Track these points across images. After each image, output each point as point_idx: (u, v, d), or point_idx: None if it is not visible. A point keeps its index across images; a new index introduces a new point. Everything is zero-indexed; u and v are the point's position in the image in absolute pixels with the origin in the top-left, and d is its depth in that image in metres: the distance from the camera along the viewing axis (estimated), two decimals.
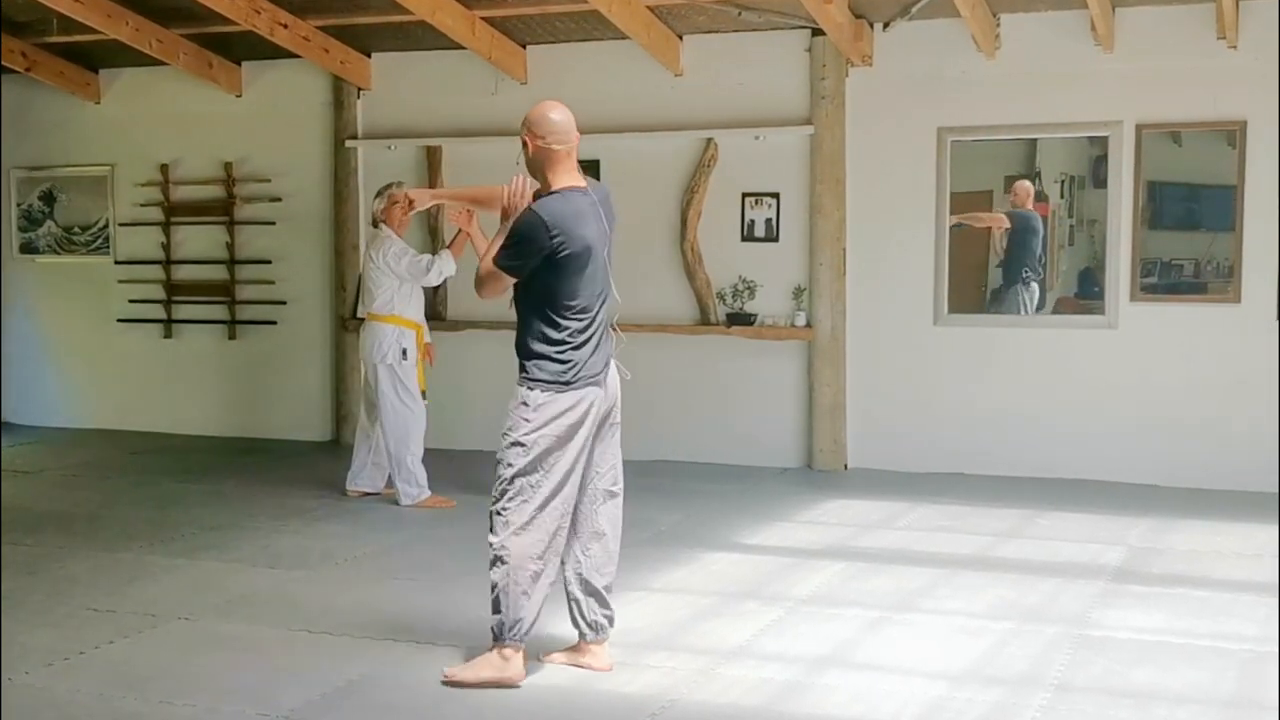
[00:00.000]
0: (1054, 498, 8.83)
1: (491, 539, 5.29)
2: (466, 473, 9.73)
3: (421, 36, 10.30)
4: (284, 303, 11.38)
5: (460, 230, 8.54)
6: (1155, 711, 5.01)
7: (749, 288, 9.91)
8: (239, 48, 11.00)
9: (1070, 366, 9.40)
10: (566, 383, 5.18)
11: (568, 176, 5.26)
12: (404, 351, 8.60)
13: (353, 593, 6.73)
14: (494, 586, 5.30)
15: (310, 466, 10.23)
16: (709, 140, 9.94)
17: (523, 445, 5.17)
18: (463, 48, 10.09)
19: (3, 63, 11.14)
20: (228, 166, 11.49)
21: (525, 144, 5.27)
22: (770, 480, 9.58)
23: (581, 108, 10.08)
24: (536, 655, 5.59)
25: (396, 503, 8.72)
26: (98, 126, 11.96)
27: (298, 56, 10.58)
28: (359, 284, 10.86)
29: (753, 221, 9.96)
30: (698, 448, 10.13)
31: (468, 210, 8.49)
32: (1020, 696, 5.17)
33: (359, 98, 11.01)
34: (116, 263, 12.00)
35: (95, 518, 8.55)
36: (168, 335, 11.89)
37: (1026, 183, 9.57)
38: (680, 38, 9.96)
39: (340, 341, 11.14)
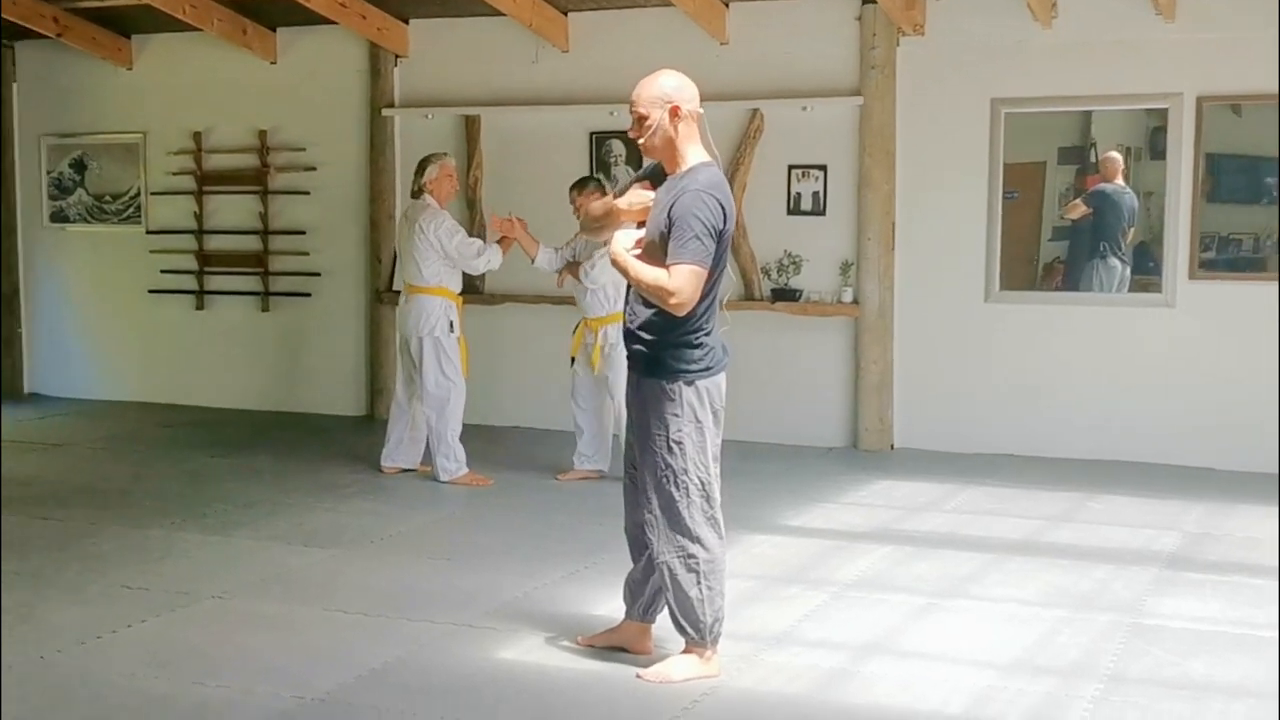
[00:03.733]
0: (1107, 481, 8.79)
1: (688, 547, 5.13)
2: (504, 450, 9.78)
3: (461, 3, 10.31)
4: (318, 274, 11.43)
5: (504, 235, 8.60)
6: (1211, 704, 4.99)
7: (794, 262, 9.89)
8: (274, 13, 11.02)
9: (1125, 346, 9.35)
10: (706, 368, 5.09)
11: (700, 148, 5.11)
12: (450, 324, 8.64)
13: (388, 572, 6.78)
14: (689, 595, 5.15)
15: (344, 442, 10.28)
16: (755, 111, 9.91)
17: (681, 443, 5.07)
18: (502, 14, 10.08)
19: (34, 28, 11.20)
20: (261, 135, 11.53)
21: (661, 118, 4.99)
22: (814, 460, 9.58)
23: (624, 77, 10.06)
24: (574, 638, 5.62)
25: (434, 479, 8.76)
26: (129, 93, 12.01)
27: (334, 23, 10.60)
28: (395, 256, 10.93)
29: (799, 194, 9.93)
30: (740, 426, 10.00)
31: (515, 218, 8.57)
32: (1071, 687, 5.16)
33: (396, 65, 11.03)
34: (148, 232, 12.08)
35: (126, 492, 8.63)
36: (200, 307, 11.97)
37: (1116, 155, 9.46)
38: (727, 5, 9.93)
39: (375, 314, 11.18)
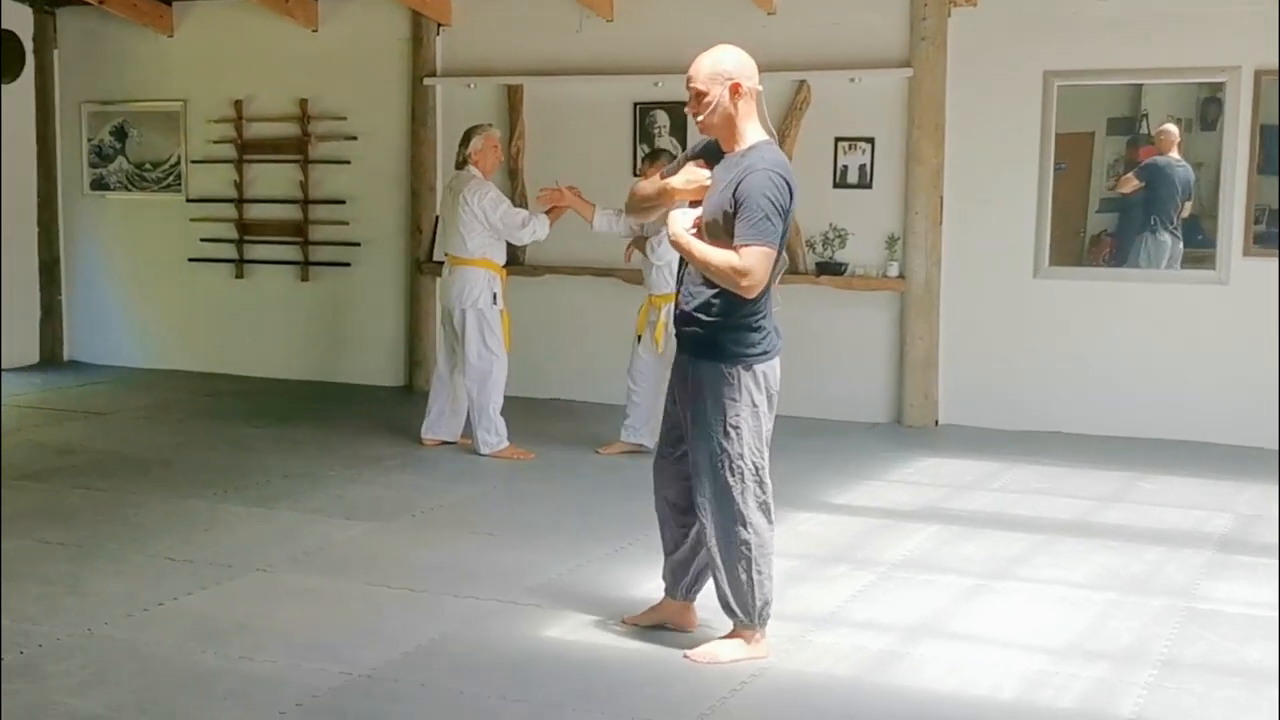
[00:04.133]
0: (1157, 460, 8.72)
1: (740, 532, 5.09)
2: (545, 422, 9.76)
3: None
4: (358, 244, 11.42)
5: (554, 205, 8.56)
6: (1267, 691, 4.94)
7: (840, 236, 9.83)
8: None
9: (1177, 323, 9.27)
10: (764, 352, 5.06)
11: (759, 126, 5.02)
12: (494, 296, 8.62)
13: (431, 547, 6.78)
14: (740, 578, 5.13)
15: (384, 413, 10.29)
16: (801, 82, 9.84)
17: (738, 428, 5.03)
18: None
19: None
20: (302, 103, 11.52)
21: (721, 95, 4.90)
22: (859, 435, 9.53)
23: (669, 47, 10.21)
24: (619, 619, 5.60)
25: (475, 452, 8.76)
26: (170, 61, 12.02)
27: None
28: (435, 226, 10.91)
29: (845, 167, 9.87)
30: (784, 400, 9.91)
31: (565, 188, 8.52)
32: (1125, 673, 5.12)
33: (438, 34, 10.99)
34: (188, 200, 12.10)
35: (168, 462, 8.66)
36: (239, 275, 11.99)
37: (1172, 127, 9.35)
38: None
39: (415, 285, 11.17)
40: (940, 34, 9.49)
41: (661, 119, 10.29)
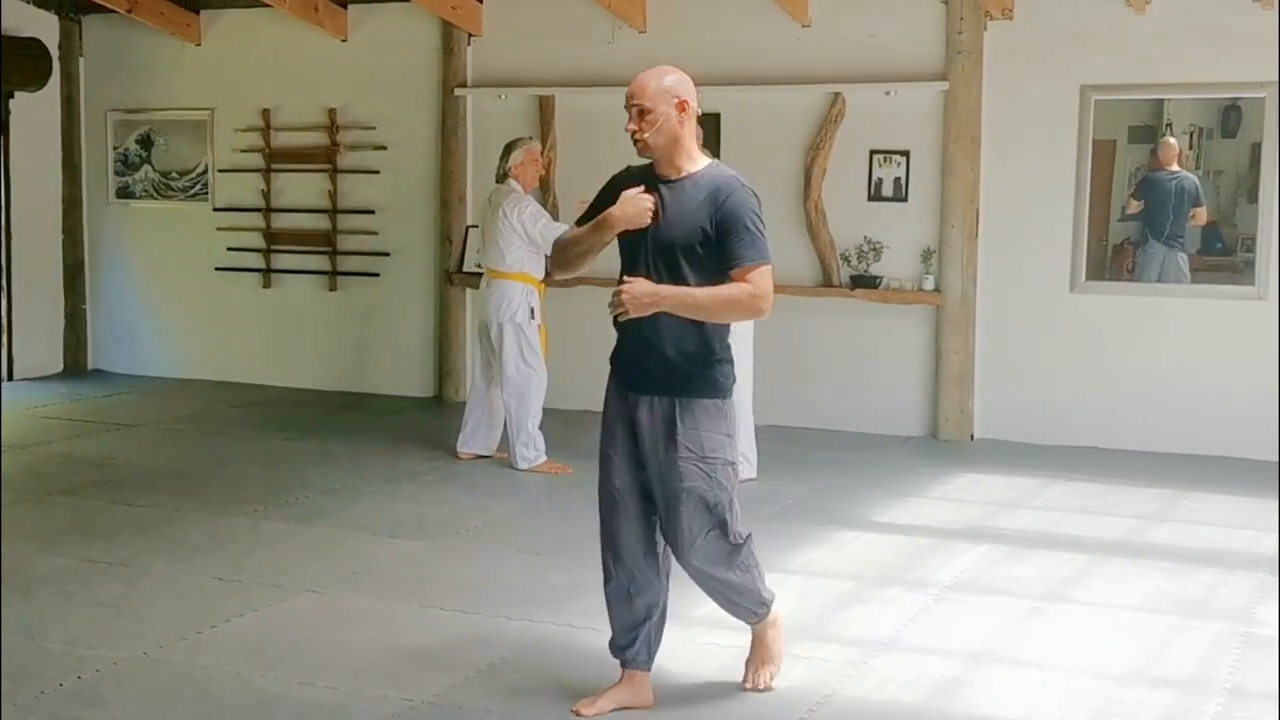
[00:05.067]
0: (1198, 476, 8.68)
1: (737, 555, 4.89)
2: (579, 435, 9.69)
3: None
4: (387, 254, 11.39)
5: None
6: None
7: (875, 249, 9.81)
8: None
9: (1216, 338, 9.23)
10: (734, 381, 4.86)
11: (698, 147, 4.82)
12: (532, 311, 8.60)
13: (479, 566, 6.76)
14: (750, 589, 5.01)
15: (416, 425, 10.27)
16: (836, 95, 9.82)
17: (733, 463, 4.82)
18: None
19: (103, 2, 11.20)
20: (331, 113, 11.49)
21: (668, 113, 4.62)
22: (894, 450, 9.51)
23: (702, 58, 10.17)
24: (681, 641, 5.57)
25: (512, 466, 8.73)
26: (198, 69, 11.99)
27: (407, 0, 10.53)
28: (466, 236, 10.89)
29: (880, 180, 9.84)
30: (818, 414, 10.07)
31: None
32: (1192, 700, 5.10)
33: (469, 44, 10.97)
34: (215, 209, 12.06)
35: (206, 476, 8.64)
36: (266, 285, 11.96)
37: (1172, 140, 9.36)
38: None
39: (445, 296, 11.14)
40: (976, 47, 9.46)
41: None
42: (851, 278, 9.87)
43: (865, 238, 9.84)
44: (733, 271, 4.60)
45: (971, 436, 9.74)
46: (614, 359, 4.91)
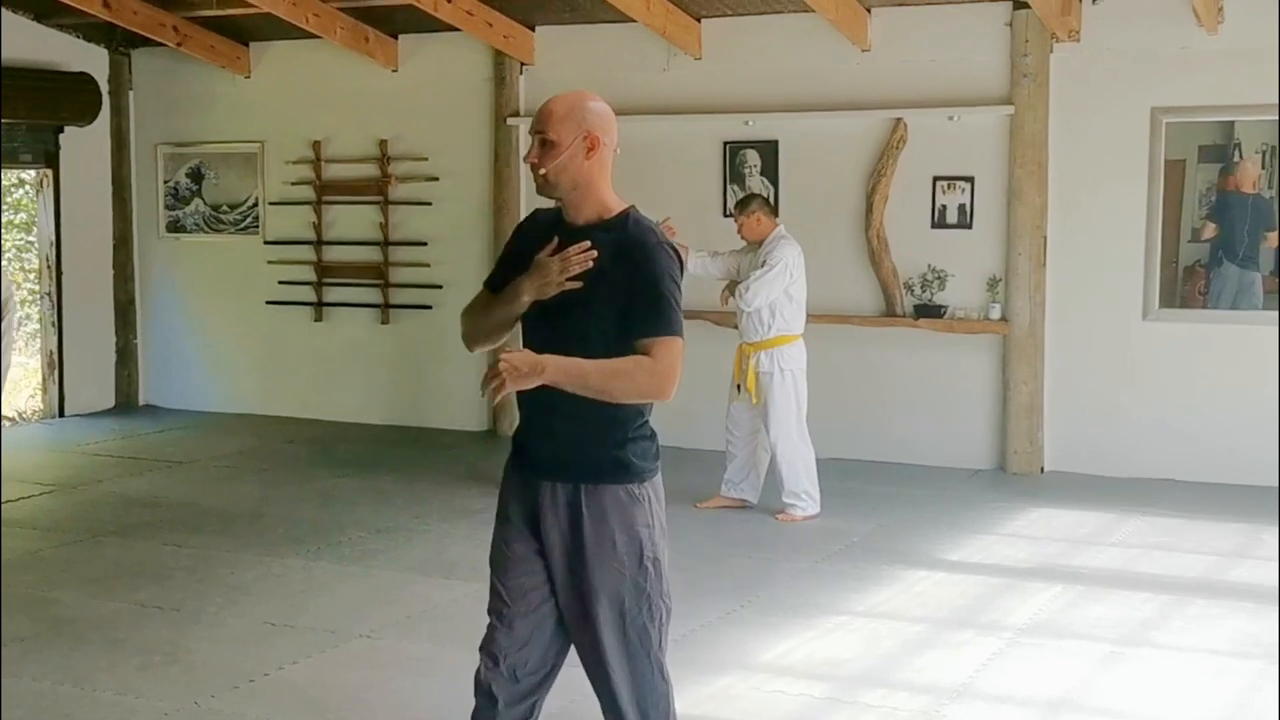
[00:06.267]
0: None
1: (659, 684, 4.07)
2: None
3: (589, 9, 10.17)
4: (439, 286, 11.33)
5: None
6: None
7: (939, 277, 9.67)
8: (397, 21, 10.96)
9: None
10: (658, 458, 4.07)
11: (613, 191, 4.05)
12: None
13: None
14: None
15: (471, 461, 10.19)
16: (898, 120, 9.70)
17: (658, 560, 4.02)
18: (632, 21, 9.94)
19: (153, 37, 11.23)
20: (382, 144, 11.47)
21: (576, 148, 3.89)
22: (961, 484, 9.35)
23: (760, 85, 10.13)
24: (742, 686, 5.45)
25: None
26: (248, 101, 12.01)
27: (457, 30, 10.51)
28: None
29: (944, 207, 9.71)
30: (882, 446, 9.92)
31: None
32: None
33: (521, 73, 10.92)
34: (265, 243, 12.06)
35: (258, 516, 8.59)
36: (318, 318, 11.93)
37: (1251, 161, 9.15)
38: (869, 11, 9.71)
39: None
40: (1042, 70, 9.32)
41: (752, 158, 10.17)
42: (915, 307, 9.73)
43: (929, 266, 9.70)
44: (637, 343, 3.85)
45: (1042, 469, 9.56)
46: (514, 435, 4.13)
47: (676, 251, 3.96)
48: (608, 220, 3.94)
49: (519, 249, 4.06)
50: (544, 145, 3.91)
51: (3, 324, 4.30)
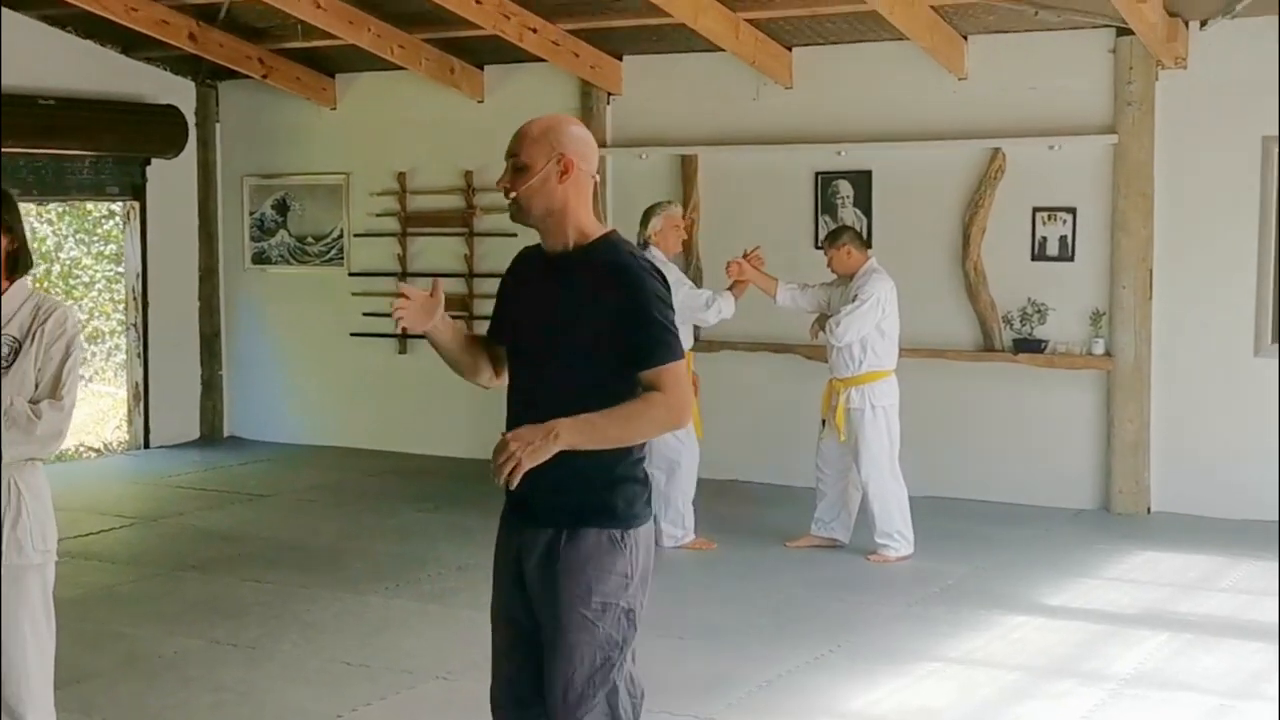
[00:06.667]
0: None
1: None
2: (724, 507, 9.44)
3: (677, 39, 10.06)
4: None
5: (736, 281, 8.30)
6: None
7: (1039, 311, 9.43)
8: (483, 51, 10.92)
9: None
10: (649, 504, 3.88)
11: (595, 216, 3.92)
12: None
13: None
14: None
15: None
16: (996, 150, 9.48)
17: (633, 612, 3.80)
18: (721, 50, 9.82)
19: (240, 69, 11.30)
20: (467, 175, 11.42)
21: (549, 172, 3.76)
22: (1063, 524, 9.07)
23: (852, 113, 9.97)
24: None
25: (657, 543, 8.44)
26: (333, 133, 12.02)
27: (544, 60, 10.44)
28: None
29: (1044, 239, 9.48)
30: (980, 485, 9.67)
31: (744, 258, 8.25)
32: None
33: (609, 103, 10.83)
34: (350, 274, 12.04)
35: (337, 551, 8.52)
36: (402, 350, 11.89)
37: None
38: (965, 37, 9.51)
39: None
40: (1148, 98, 9.07)
41: (845, 189, 10.00)
42: (1014, 341, 9.50)
43: (1029, 299, 9.47)
44: (642, 375, 3.69)
45: (1148, 510, 9.27)
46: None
47: (661, 272, 3.81)
48: (585, 246, 3.80)
49: (505, 290, 4.02)
50: (516, 170, 3.80)
51: (70, 359, 4.22)
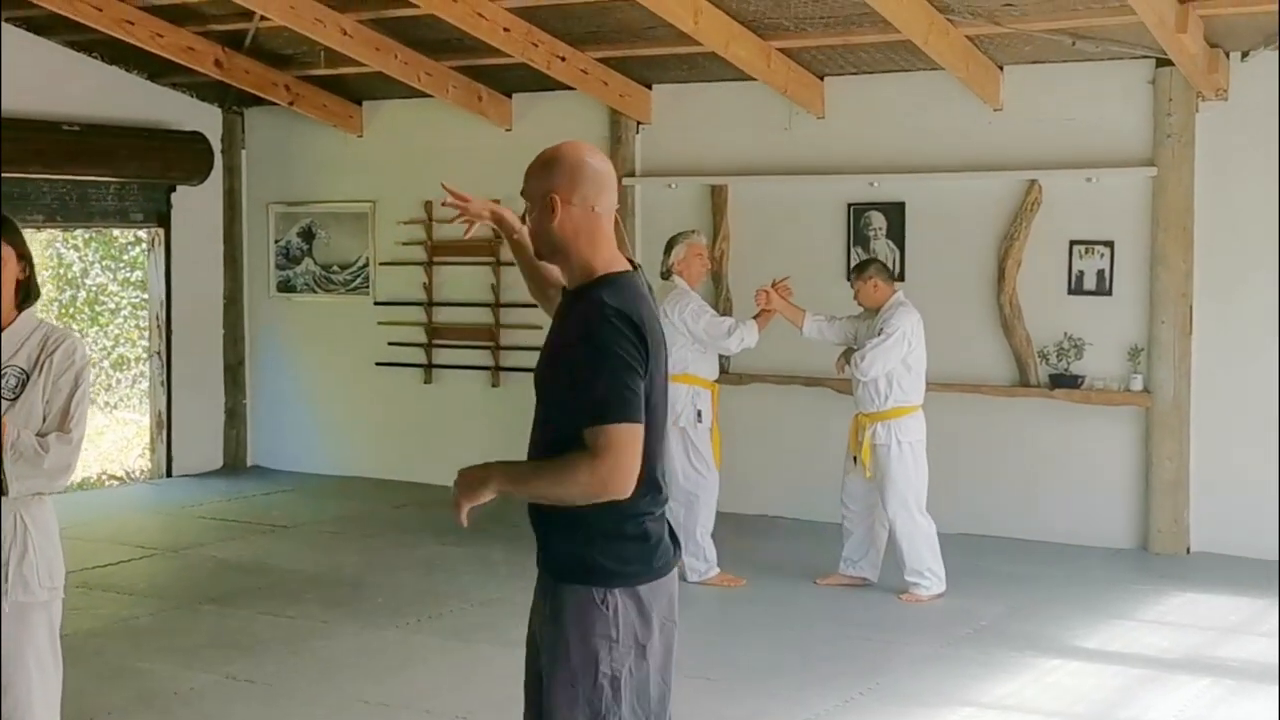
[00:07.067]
0: None
1: None
2: (753, 542, 9.35)
3: (707, 67, 9.99)
4: None
5: (763, 310, 8.21)
6: None
7: (1076, 346, 9.31)
8: (510, 79, 10.88)
9: None
10: (650, 567, 3.59)
11: (613, 252, 3.65)
12: (699, 414, 8.24)
13: None
14: None
15: None
16: (1032, 182, 9.37)
17: (617, 679, 3.53)
18: (753, 79, 9.76)
19: (266, 96, 11.28)
20: (495, 203, 11.32)
21: (543, 208, 3.58)
22: (1100, 564, 8.92)
23: (885, 145, 9.87)
24: None
25: (681, 578, 8.32)
26: (359, 161, 11.98)
27: (573, 89, 10.39)
28: None
29: (1081, 273, 9.35)
30: (1014, 523, 9.53)
31: (771, 287, 8.15)
32: None
33: (638, 132, 10.77)
34: (376, 303, 12.00)
35: (359, 584, 8.45)
36: (428, 380, 11.83)
37: None
38: (1001, 68, 9.42)
39: None
40: (1188, 130, 8.94)
41: (877, 220, 9.90)
42: (1051, 377, 9.37)
43: (1065, 334, 9.34)
44: (582, 433, 3.44)
45: (1188, 550, 9.11)
46: None
47: (634, 325, 3.48)
48: (583, 288, 3.61)
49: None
50: (528, 208, 3.67)
51: (79, 391, 4.14)
